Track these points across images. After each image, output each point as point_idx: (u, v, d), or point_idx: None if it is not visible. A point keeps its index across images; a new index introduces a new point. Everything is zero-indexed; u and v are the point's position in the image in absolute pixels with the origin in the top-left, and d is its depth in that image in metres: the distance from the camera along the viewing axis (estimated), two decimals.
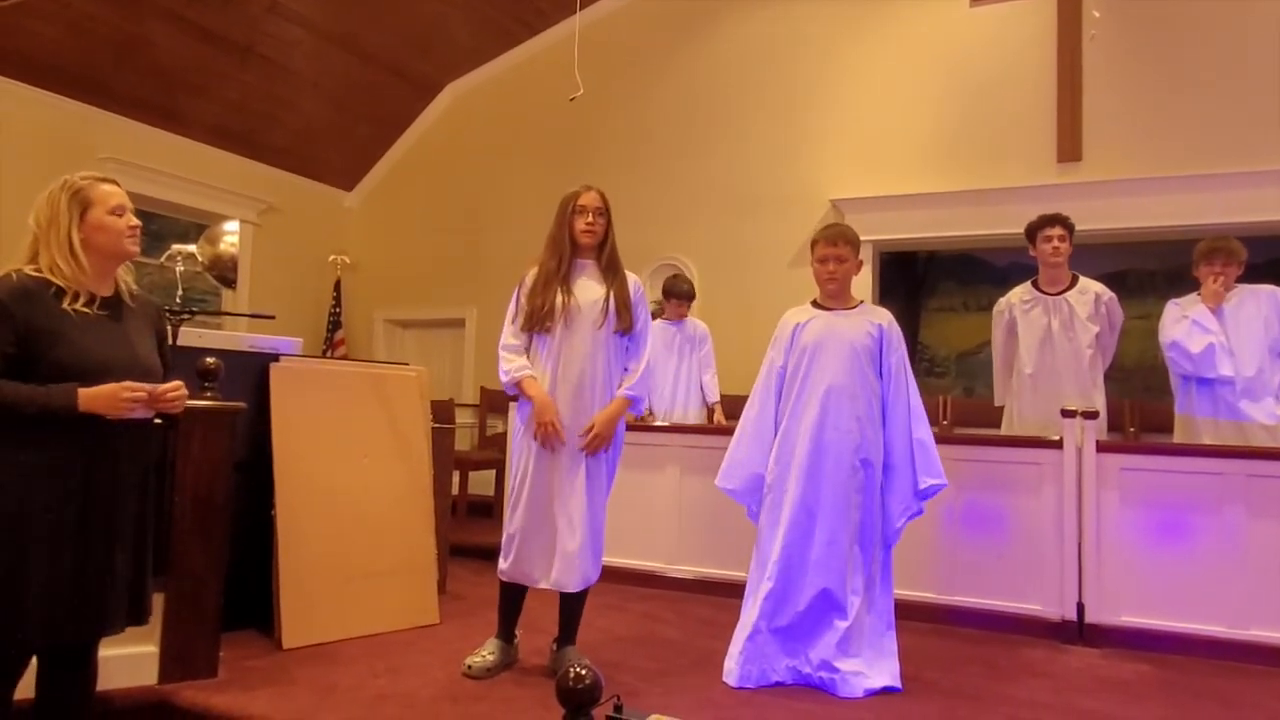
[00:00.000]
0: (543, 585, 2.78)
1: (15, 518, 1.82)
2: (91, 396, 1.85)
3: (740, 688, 2.75)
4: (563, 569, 2.74)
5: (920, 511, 2.90)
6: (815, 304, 3.04)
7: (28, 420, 1.82)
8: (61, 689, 2.03)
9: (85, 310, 1.92)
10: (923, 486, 2.83)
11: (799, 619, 2.81)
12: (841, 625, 2.78)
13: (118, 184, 2.03)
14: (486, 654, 2.86)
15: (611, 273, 2.86)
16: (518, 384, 2.83)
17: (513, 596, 2.91)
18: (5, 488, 1.83)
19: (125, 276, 2.07)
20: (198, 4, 5.51)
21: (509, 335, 2.88)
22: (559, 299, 2.78)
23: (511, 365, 2.84)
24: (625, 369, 2.91)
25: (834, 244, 2.94)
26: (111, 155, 5.79)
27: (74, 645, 2.00)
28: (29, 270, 1.90)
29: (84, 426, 1.87)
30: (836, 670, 2.74)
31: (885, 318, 2.98)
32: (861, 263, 3.03)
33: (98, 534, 1.92)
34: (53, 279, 1.90)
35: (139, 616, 2.06)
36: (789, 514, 2.83)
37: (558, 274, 2.81)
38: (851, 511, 2.81)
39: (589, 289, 2.83)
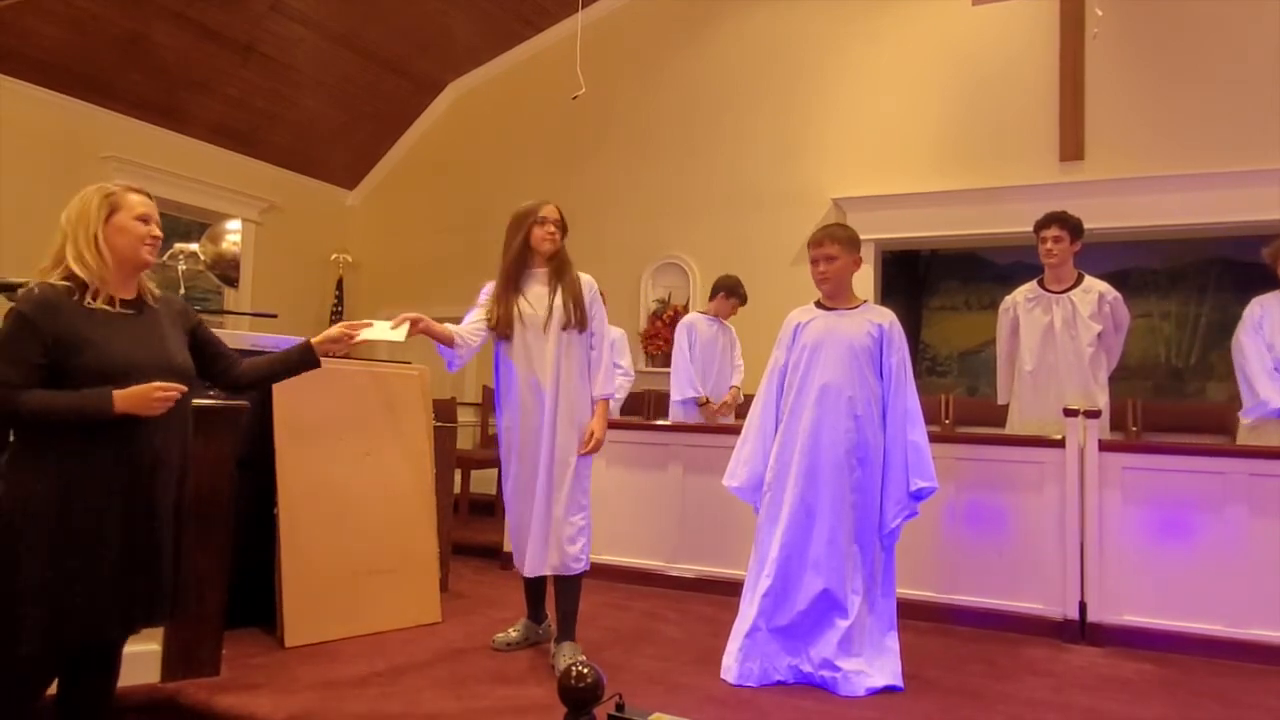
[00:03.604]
0: (532, 569, 2.91)
1: (61, 521, 1.84)
2: (124, 397, 1.87)
3: (740, 685, 2.75)
4: (541, 552, 2.89)
5: (915, 513, 2.90)
6: (818, 304, 3.05)
7: (65, 426, 1.85)
8: (85, 688, 2.04)
9: (108, 309, 1.95)
10: (913, 489, 2.84)
11: (800, 618, 2.80)
12: (843, 624, 2.78)
13: (148, 195, 2.12)
14: (512, 630, 3.14)
15: (561, 275, 3.02)
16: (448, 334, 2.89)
17: (530, 581, 3.10)
18: (49, 494, 1.84)
19: (147, 282, 2.12)
20: (199, 2, 5.51)
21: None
22: (514, 308, 2.96)
23: (466, 319, 3.00)
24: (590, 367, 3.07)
25: (820, 245, 2.96)
26: (113, 154, 5.80)
27: (104, 644, 2.01)
28: (50, 280, 1.93)
29: (121, 428, 1.89)
30: (838, 669, 2.74)
31: (887, 318, 2.98)
32: (860, 260, 3.03)
33: (141, 532, 1.94)
34: (77, 271, 1.93)
35: (176, 609, 2.08)
36: (788, 512, 2.83)
37: (512, 282, 2.99)
38: (847, 511, 2.82)
39: (543, 295, 3.00)
